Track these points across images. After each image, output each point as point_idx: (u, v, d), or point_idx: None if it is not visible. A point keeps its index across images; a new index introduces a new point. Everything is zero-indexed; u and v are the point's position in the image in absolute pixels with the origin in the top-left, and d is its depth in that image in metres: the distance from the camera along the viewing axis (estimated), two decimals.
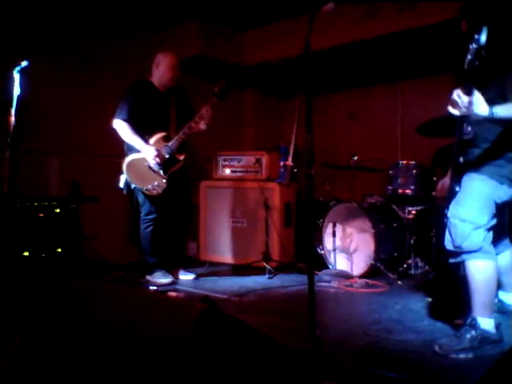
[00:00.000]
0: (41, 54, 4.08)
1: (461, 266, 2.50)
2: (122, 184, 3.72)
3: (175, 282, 3.90)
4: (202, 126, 3.79)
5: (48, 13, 4.29)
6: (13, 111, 3.00)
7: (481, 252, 2.33)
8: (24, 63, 3.03)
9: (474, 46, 2.11)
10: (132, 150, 3.71)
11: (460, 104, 2.17)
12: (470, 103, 2.13)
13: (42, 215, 3.68)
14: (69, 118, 4.44)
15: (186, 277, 4.05)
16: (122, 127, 3.68)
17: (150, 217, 3.83)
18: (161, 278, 3.85)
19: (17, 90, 3.01)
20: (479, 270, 2.34)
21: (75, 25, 4.53)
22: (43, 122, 4.18)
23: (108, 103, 4.27)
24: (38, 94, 3.89)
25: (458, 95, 2.17)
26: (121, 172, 3.74)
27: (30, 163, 4.03)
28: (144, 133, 3.72)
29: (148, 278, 3.90)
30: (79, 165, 4.50)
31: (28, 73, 3.04)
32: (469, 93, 2.14)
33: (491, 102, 2.18)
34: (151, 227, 3.84)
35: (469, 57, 2.14)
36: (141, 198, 3.81)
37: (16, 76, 3.02)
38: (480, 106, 2.15)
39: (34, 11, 4.21)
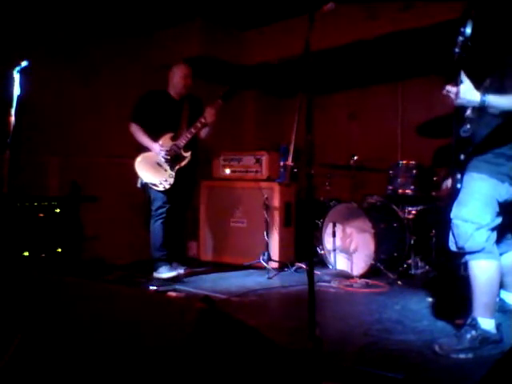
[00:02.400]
0: (41, 54, 4.07)
1: (462, 266, 2.50)
2: (139, 184, 3.93)
3: (180, 276, 3.94)
4: (204, 133, 4.07)
5: (48, 12, 4.29)
6: (13, 111, 3.00)
7: (483, 252, 2.32)
8: (24, 63, 3.03)
9: (460, 38, 2.14)
10: (144, 148, 3.95)
11: (451, 95, 2.20)
12: (459, 92, 2.16)
13: (42, 215, 3.68)
14: (69, 118, 4.44)
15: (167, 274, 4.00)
16: (134, 130, 3.97)
17: (160, 211, 3.96)
18: (166, 273, 3.92)
19: (17, 90, 3.01)
20: (482, 271, 2.33)
21: (75, 25, 4.52)
22: (43, 122, 4.17)
23: (108, 103, 4.29)
24: (38, 94, 3.89)
25: (447, 90, 2.20)
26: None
27: (29, 163, 4.03)
28: (155, 135, 3.94)
29: (154, 274, 3.95)
30: (79, 165, 4.49)
31: (28, 73, 3.04)
32: (457, 83, 2.17)
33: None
34: (161, 220, 3.96)
35: (456, 50, 2.17)
36: (152, 194, 3.95)
37: (16, 76, 3.02)
38: (470, 92, 2.17)
39: (34, 11, 4.21)
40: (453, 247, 2.41)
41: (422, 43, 4.56)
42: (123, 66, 4.79)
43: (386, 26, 4.40)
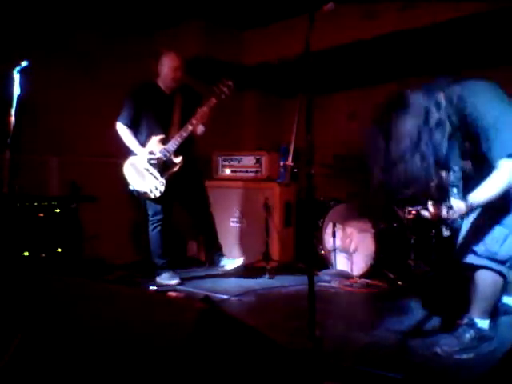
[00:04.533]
0: (41, 54, 4.07)
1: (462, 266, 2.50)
2: (131, 187, 3.75)
3: (182, 282, 3.88)
4: (199, 130, 3.81)
5: (48, 13, 4.29)
6: (13, 111, 3.00)
7: (506, 267, 2.28)
8: (24, 63, 3.03)
9: (445, 232, 2.09)
10: (132, 152, 3.76)
11: (438, 215, 2.11)
12: (449, 210, 2.07)
13: (42, 215, 3.68)
14: (69, 118, 4.44)
15: (231, 265, 4.04)
16: (121, 130, 3.75)
17: (157, 218, 3.83)
18: (168, 280, 3.85)
19: (17, 90, 3.01)
20: (493, 284, 2.32)
21: (76, 25, 4.52)
22: (43, 121, 4.17)
23: (108, 103, 4.26)
24: (38, 94, 3.89)
25: (426, 213, 2.13)
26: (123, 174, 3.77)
27: (29, 163, 4.03)
28: (144, 135, 3.76)
29: (157, 279, 3.88)
30: (79, 165, 4.50)
31: (28, 73, 3.04)
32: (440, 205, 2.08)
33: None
34: (159, 228, 3.85)
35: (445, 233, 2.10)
36: (146, 200, 3.82)
37: (16, 76, 3.02)
38: (458, 209, 2.08)
39: (35, 11, 4.21)
40: (479, 249, 2.29)
41: (421, 43, 4.56)
42: (123, 65, 4.78)
43: (385, 25, 4.40)
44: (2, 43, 3.94)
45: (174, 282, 3.84)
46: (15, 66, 3.03)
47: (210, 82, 3.85)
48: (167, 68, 3.76)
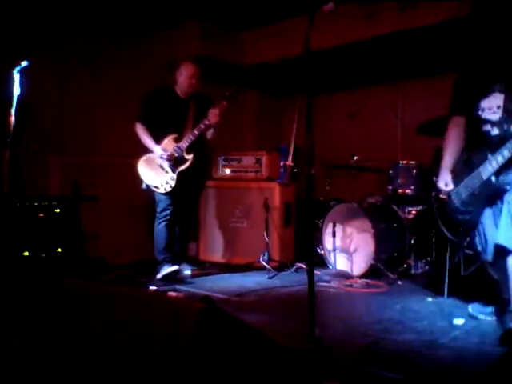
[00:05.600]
0: (41, 54, 4.06)
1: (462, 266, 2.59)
2: (144, 185, 3.92)
3: (180, 269, 3.96)
4: (209, 134, 4.01)
5: (49, 13, 4.29)
6: (13, 111, 3.00)
7: None
8: (24, 63, 3.02)
9: None
10: (149, 151, 3.94)
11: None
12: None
13: (42, 215, 3.68)
14: (69, 118, 4.44)
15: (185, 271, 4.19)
16: (139, 130, 3.95)
17: (164, 213, 3.96)
18: (166, 269, 3.91)
19: (17, 90, 3.01)
20: None
21: (75, 25, 4.52)
22: (43, 121, 4.17)
23: (108, 103, 4.27)
24: (38, 94, 3.89)
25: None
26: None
27: (29, 163, 4.03)
28: (159, 135, 3.92)
29: (157, 277, 3.92)
30: (79, 165, 4.49)
31: (28, 73, 3.03)
32: None
33: None
34: (164, 223, 3.96)
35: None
36: (156, 196, 3.96)
37: (16, 76, 3.02)
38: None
39: (35, 11, 4.21)
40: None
41: (421, 43, 4.56)
42: (123, 66, 4.78)
43: (385, 26, 4.40)
44: (2, 43, 3.93)
45: (173, 268, 3.90)
46: (15, 66, 3.02)
47: (210, 81, 3.87)
48: (184, 76, 3.98)
